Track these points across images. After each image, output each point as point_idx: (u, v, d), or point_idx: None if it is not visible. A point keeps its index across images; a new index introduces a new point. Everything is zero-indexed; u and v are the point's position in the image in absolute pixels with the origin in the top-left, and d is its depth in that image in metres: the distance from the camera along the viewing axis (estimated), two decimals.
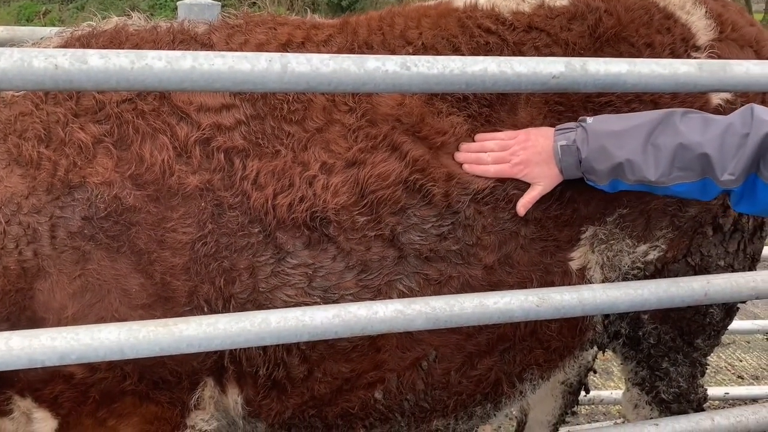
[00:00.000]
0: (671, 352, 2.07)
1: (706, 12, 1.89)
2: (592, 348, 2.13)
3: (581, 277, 1.85)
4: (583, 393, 2.94)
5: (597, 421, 3.68)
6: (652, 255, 1.89)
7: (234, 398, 1.73)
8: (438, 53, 1.74)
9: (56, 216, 1.54)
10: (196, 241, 1.58)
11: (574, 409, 3.00)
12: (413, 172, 1.67)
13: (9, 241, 1.52)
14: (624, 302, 1.65)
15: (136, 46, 1.68)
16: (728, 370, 4.26)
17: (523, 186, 1.73)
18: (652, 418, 2.19)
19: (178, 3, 2.48)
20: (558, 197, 1.76)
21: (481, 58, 1.36)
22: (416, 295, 1.67)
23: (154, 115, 1.62)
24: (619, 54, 1.77)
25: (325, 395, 1.76)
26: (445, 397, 1.86)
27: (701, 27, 1.87)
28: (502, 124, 1.75)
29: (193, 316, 1.47)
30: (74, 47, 1.66)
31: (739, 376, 4.19)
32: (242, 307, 1.61)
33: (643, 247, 1.87)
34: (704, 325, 2.04)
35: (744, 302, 2.10)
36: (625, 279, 1.90)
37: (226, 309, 1.60)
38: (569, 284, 1.80)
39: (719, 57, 1.82)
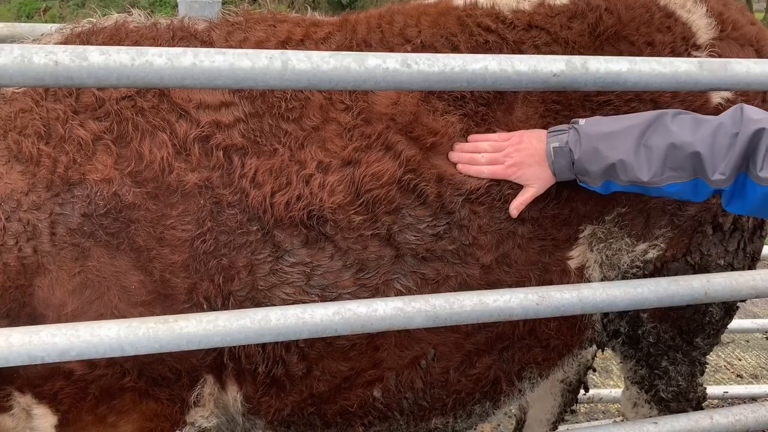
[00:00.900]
0: (670, 350, 2.07)
1: (706, 10, 1.89)
2: (591, 346, 2.13)
3: (580, 276, 1.85)
4: (582, 391, 2.95)
5: (596, 419, 3.68)
6: (652, 254, 1.89)
7: (233, 395, 1.73)
8: (436, 51, 1.73)
9: (56, 213, 1.54)
10: (195, 238, 1.58)
11: (573, 407, 3.00)
12: (406, 172, 1.67)
13: (9, 238, 1.52)
14: (623, 301, 1.65)
15: (136, 43, 1.68)
16: (727, 368, 4.26)
17: (518, 186, 1.73)
18: (651, 416, 2.19)
19: (178, 0, 2.48)
20: (555, 196, 1.76)
21: (481, 56, 1.36)
22: (414, 294, 1.67)
23: (153, 112, 1.62)
24: (620, 53, 1.77)
25: (323, 393, 1.76)
26: (444, 395, 1.87)
27: (702, 26, 1.87)
28: (498, 123, 1.75)
29: (193, 313, 1.47)
30: (74, 44, 1.66)
31: (738, 375, 4.20)
32: (241, 305, 1.61)
33: (642, 246, 1.87)
34: (703, 323, 2.04)
35: (744, 301, 2.10)
36: (624, 278, 1.90)
37: (225, 306, 1.61)
38: (568, 283, 1.80)
39: (720, 56, 1.82)
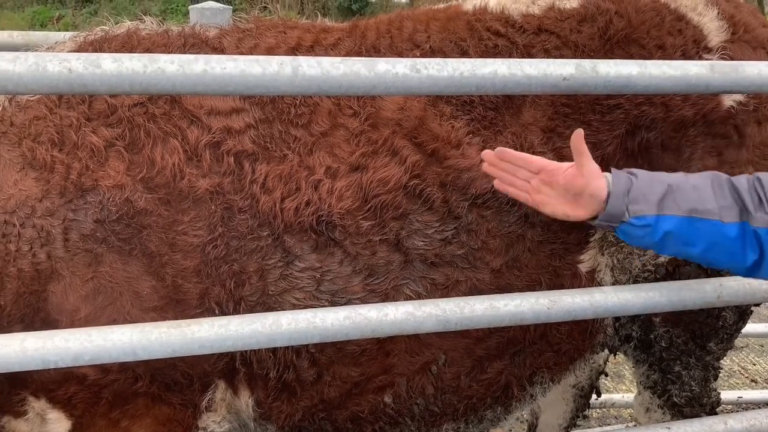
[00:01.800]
0: (683, 355, 2.05)
1: (718, 13, 1.88)
2: (603, 351, 2.12)
3: (591, 280, 1.84)
4: (594, 396, 2.93)
5: (608, 424, 3.65)
6: (664, 257, 1.87)
7: (245, 400, 1.73)
8: (446, 56, 1.74)
9: (69, 219, 1.56)
10: (206, 244, 1.59)
11: (586, 412, 2.98)
12: (412, 178, 1.67)
13: (23, 244, 1.54)
14: (635, 305, 1.64)
15: (148, 50, 1.70)
16: (741, 373, 4.22)
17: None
18: (664, 421, 2.17)
19: (190, 7, 2.51)
20: None
21: (491, 60, 1.36)
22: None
23: (165, 118, 1.63)
24: (630, 56, 1.76)
25: (334, 399, 1.76)
26: (455, 400, 1.86)
27: (713, 28, 1.86)
28: (505, 126, 1.75)
29: (205, 317, 1.48)
30: (87, 51, 1.68)
31: (752, 380, 4.15)
32: (252, 310, 1.62)
33: None
34: (717, 328, 2.02)
35: (758, 305, 2.08)
36: (635, 282, 1.88)
37: (236, 311, 1.61)
38: (579, 287, 1.80)
39: (731, 58, 1.81)
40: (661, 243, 1.53)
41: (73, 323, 1.54)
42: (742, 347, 4.44)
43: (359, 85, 1.29)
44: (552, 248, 1.77)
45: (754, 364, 4.33)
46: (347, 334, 1.46)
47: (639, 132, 1.77)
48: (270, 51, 1.74)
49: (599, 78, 1.41)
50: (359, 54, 1.76)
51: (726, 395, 3.49)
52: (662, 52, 1.80)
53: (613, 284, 1.87)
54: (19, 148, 1.60)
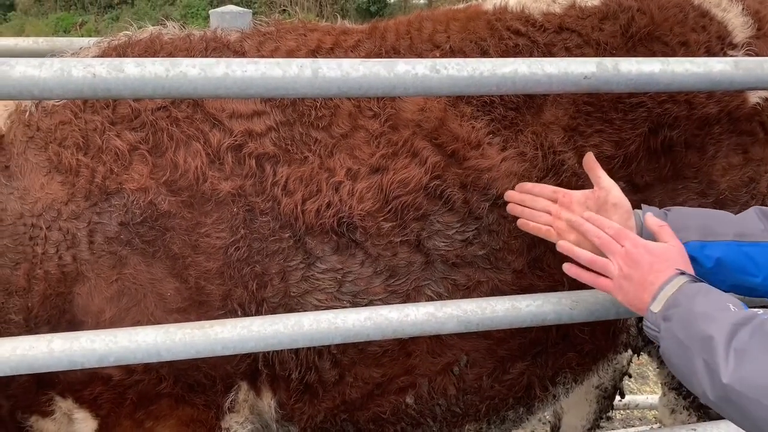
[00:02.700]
0: None
1: (743, 9, 1.85)
2: (626, 351, 2.10)
3: None
4: (618, 397, 2.90)
5: (632, 426, 3.62)
6: None
7: (268, 401, 1.74)
8: (466, 56, 1.73)
9: (94, 222, 1.58)
10: (229, 246, 1.60)
11: (609, 413, 2.95)
12: (433, 179, 1.67)
13: (50, 247, 1.57)
14: None
15: (171, 55, 1.72)
16: None
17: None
18: (689, 423, 2.14)
19: (210, 12, 2.53)
20: None
21: (511, 59, 1.35)
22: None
23: (187, 122, 1.65)
24: (653, 54, 1.74)
25: (356, 400, 1.76)
26: (477, 401, 1.85)
27: (738, 24, 1.83)
28: (526, 126, 1.74)
29: (228, 319, 1.49)
30: (111, 57, 1.70)
31: None
32: (274, 312, 1.63)
33: None
34: None
35: None
36: None
37: (258, 313, 1.62)
38: None
39: (757, 55, 1.78)
40: (713, 273, 1.40)
41: (98, 324, 1.56)
42: None
43: (379, 86, 1.29)
44: None
45: None
46: (368, 335, 1.46)
47: (662, 130, 1.74)
48: (291, 54, 1.75)
49: (621, 76, 1.39)
50: (379, 55, 1.76)
51: None
52: (686, 49, 1.77)
53: None
54: (45, 152, 1.63)
